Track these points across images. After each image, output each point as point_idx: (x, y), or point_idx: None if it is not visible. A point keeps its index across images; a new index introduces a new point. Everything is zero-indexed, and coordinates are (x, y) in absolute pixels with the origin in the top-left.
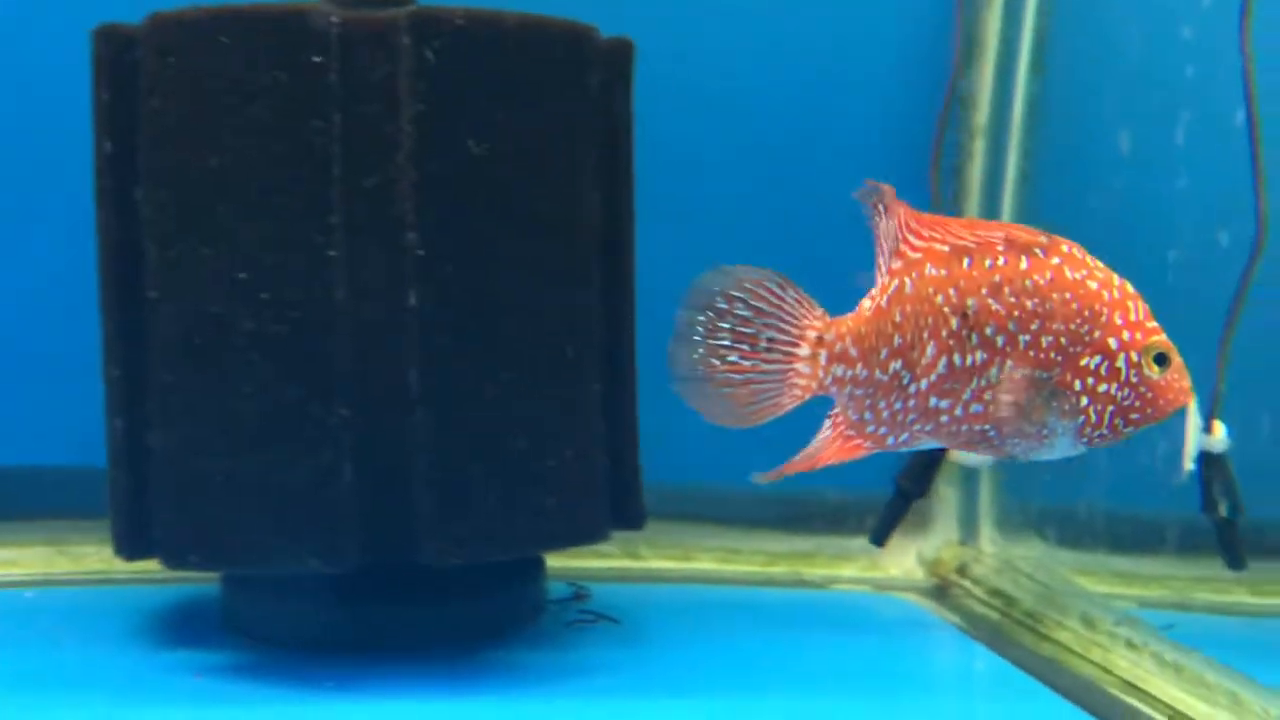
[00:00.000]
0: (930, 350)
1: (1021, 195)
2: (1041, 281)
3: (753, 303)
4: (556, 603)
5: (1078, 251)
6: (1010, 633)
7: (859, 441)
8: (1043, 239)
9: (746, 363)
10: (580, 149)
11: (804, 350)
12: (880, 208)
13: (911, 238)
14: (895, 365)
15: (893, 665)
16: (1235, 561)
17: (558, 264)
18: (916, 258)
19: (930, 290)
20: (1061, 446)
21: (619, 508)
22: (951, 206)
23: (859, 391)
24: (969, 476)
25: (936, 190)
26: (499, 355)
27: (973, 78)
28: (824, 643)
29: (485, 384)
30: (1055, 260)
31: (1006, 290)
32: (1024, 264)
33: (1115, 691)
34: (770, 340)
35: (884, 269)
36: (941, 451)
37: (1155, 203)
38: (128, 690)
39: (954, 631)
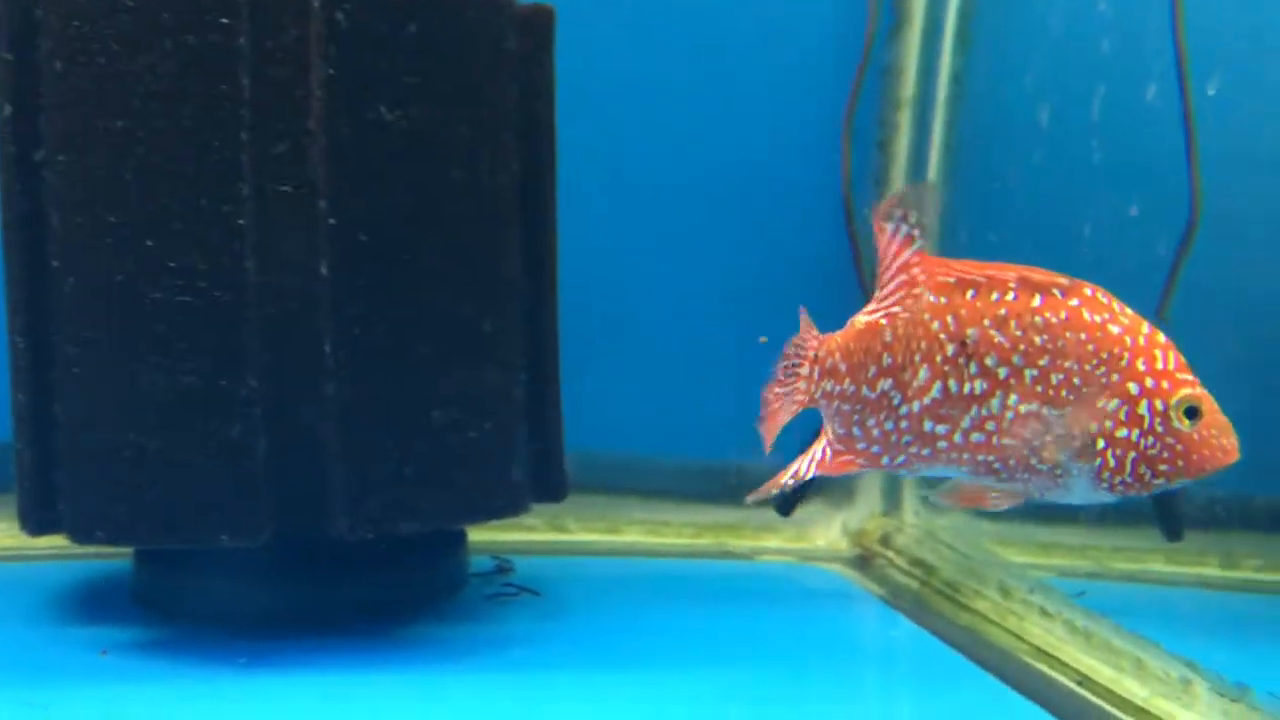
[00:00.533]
0: (923, 373)
1: (946, 167)
2: (1054, 319)
3: (794, 340)
4: (479, 576)
5: (1102, 296)
6: (930, 602)
7: (849, 458)
8: (1063, 280)
9: (779, 389)
10: (498, 116)
11: (805, 369)
12: (897, 228)
13: (915, 271)
14: (884, 384)
15: (812, 635)
16: (1173, 533)
17: (475, 234)
18: (918, 290)
19: (926, 316)
20: (1080, 489)
21: (540, 480)
22: (877, 181)
23: (845, 406)
24: None
25: (848, 157)
26: (415, 327)
27: (898, 50)
28: (745, 613)
29: (401, 356)
30: (1074, 301)
31: (1013, 324)
32: (1036, 301)
33: (1028, 659)
34: (791, 365)
35: (883, 287)
36: None
37: (1072, 175)
38: (35, 668)
39: (875, 601)
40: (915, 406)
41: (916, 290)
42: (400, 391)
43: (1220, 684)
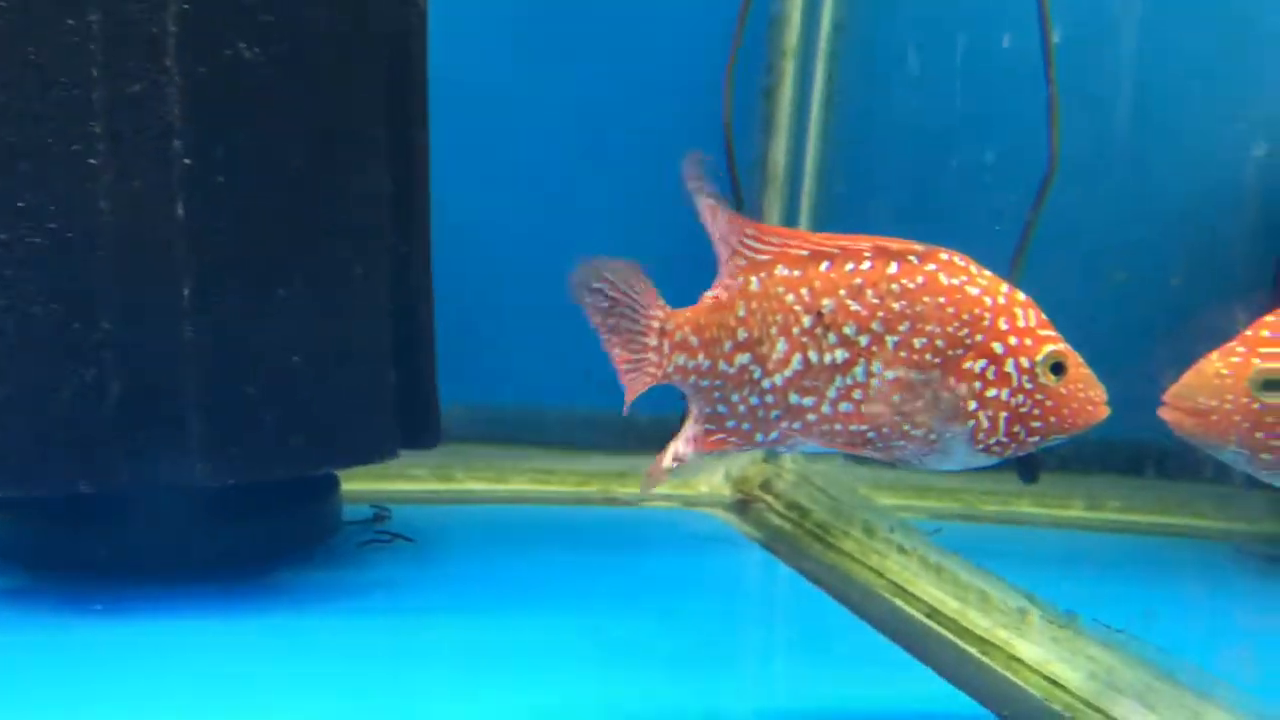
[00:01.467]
0: (781, 346)
1: (826, 117)
2: (911, 285)
3: (609, 293)
4: (355, 524)
5: (959, 259)
6: (802, 543)
7: (721, 436)
8: (918, 248)
9: (615, 350)
10: (363, 56)
11: (651, 339)
12: (711, 211)
13: (753, 243)
14: (742, 359)
15: (685, 577)
16: (1028, 475)
17: (340, 176)
18: (765, 259)
19: (780, 289)
20: (958, 454)
21: (412, 427)
22: (764, 128)
23: (704, 382)
24: None
25: (729, 103)
26: (275, 270)
27: None
28: (621, 558)
29: (260, 300)
30: (930, 266)
31: (869, 292)
32: (892, 268)
33: (885, 594)
34: (626, 329)
35: (724, 265)
36: None
37: (935, 123)
38: None
39: (749, 543)
40: (778, 380)
41: (742, 262)
42: (260, 336)
43: (1052, 613)
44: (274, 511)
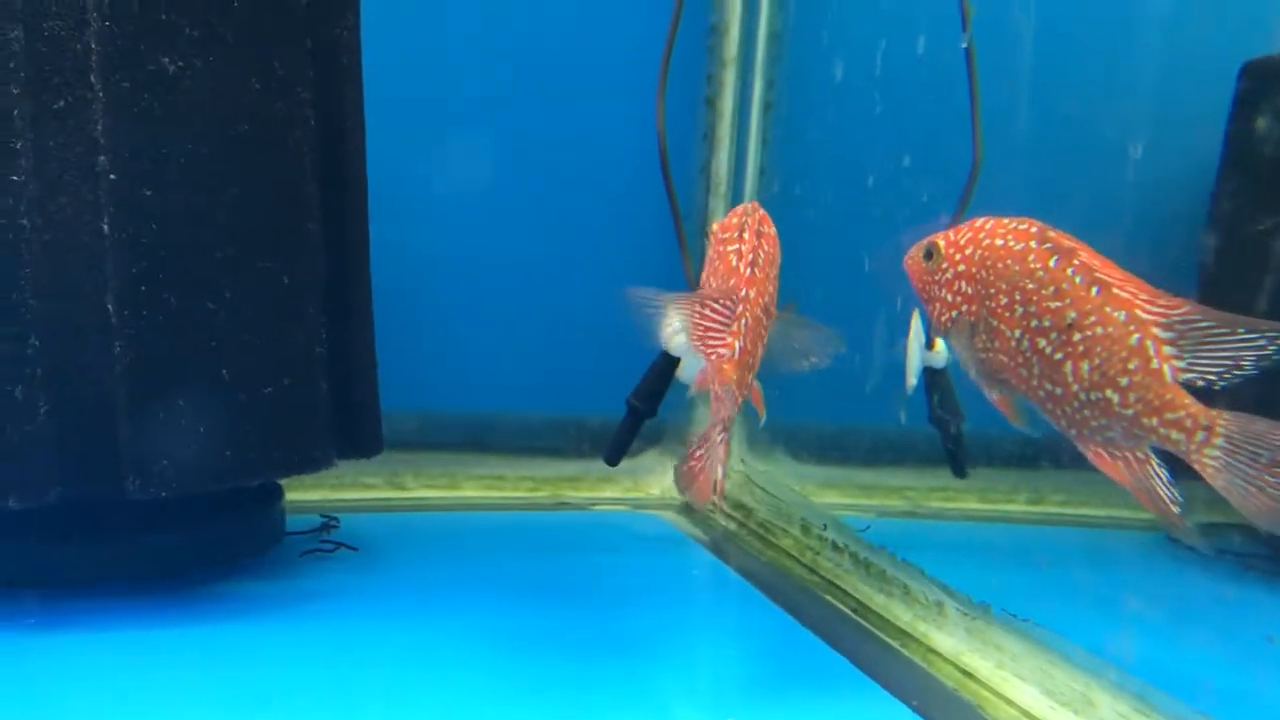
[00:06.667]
0: None
1: (765, 123)
2: None
3: None
4: (299, 534)
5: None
6: (744, 542)
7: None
8: None
9: None
10: (290, 65)
11: None
12: None
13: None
14: None
15: (626, 579)
16: (959, 470)
17: (267, 188)
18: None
19: None
20: None
21: (349, 436)
22: (706, 137)
23: None
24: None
25: (662, 112)
26: (204, 284)
27: (724, 7)
28: (566, 561)
29: (188, 313)
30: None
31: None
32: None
33: (818, 591)
34: None
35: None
36: (670, 372)
37: (856, 130)
38: None
39: (691, 544)
40: None
41: None
42: (189, 349)
43: (966, 604)
44: (214, 521)
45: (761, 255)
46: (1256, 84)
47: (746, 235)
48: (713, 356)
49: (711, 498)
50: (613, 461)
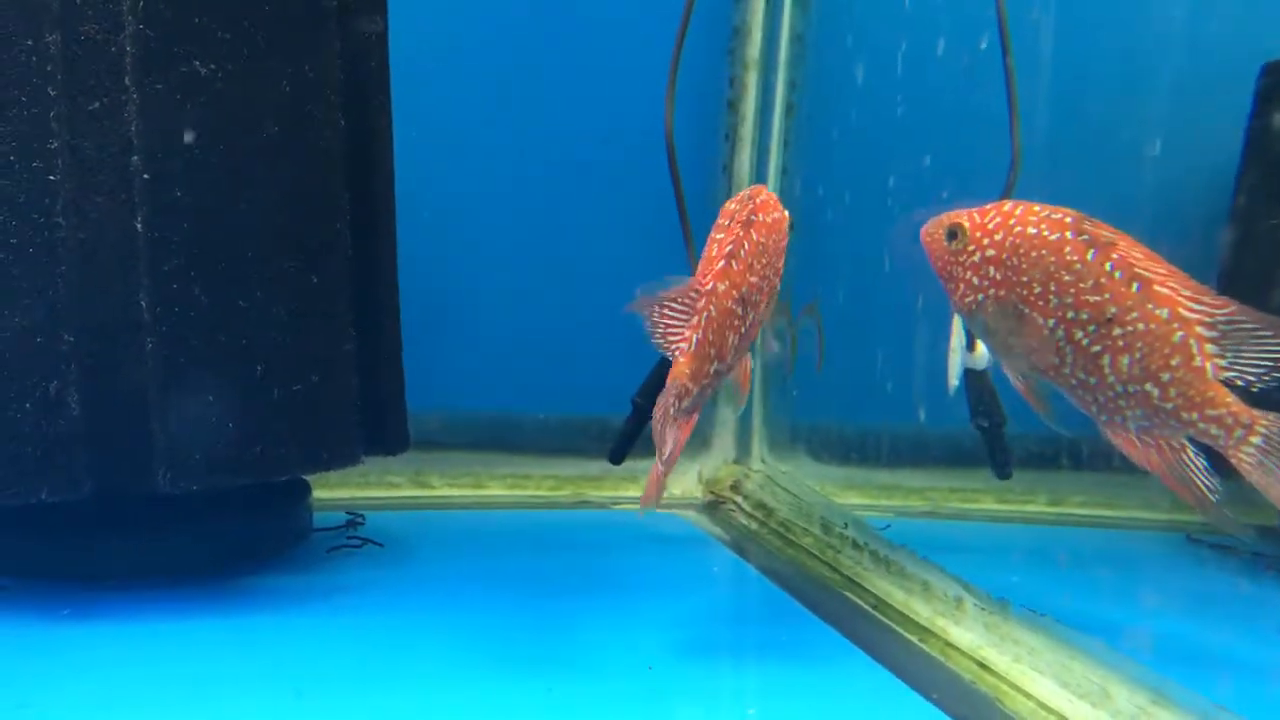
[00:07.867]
0: None
1: (787, 126)
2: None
3: None
4: (326, 530)
5: None
6: (766, 541)
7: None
8: None
9: None
10: (319, 68)
11: None
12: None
13: None
14: None
15: (645, 577)
16: (1002, 470)
17: (297, 188)
18: None
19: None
20: None
21: (376, 433)
22: (728, 137)
23: None
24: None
25: (670, 111)
26: (234, 281)
27: (746, 9)
28: (586, 558)
29: (220, 311)
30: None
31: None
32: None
33: (838, 588)
34: None
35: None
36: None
37: (877, 131)
38: None
39: (713, 542)
40: None
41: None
42: (220, 346)
43: (985, 600)
44: (242, 517)
45: (746, 246)
46: (1277, 81)
47: (733, 225)
48: (674, 351)
49: (654, 497)
50: (616, 460)
